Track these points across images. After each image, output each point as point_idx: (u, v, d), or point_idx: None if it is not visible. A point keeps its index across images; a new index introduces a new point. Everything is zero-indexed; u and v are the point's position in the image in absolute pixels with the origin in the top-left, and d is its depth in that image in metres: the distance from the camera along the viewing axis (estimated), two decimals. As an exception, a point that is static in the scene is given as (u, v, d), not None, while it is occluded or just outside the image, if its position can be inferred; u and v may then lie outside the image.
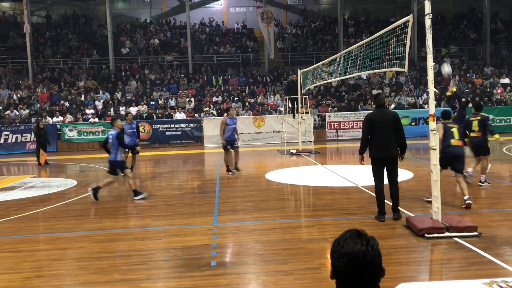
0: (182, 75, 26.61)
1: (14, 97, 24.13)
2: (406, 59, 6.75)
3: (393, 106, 23.02)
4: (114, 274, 5.00)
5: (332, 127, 22.15)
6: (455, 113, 9.16)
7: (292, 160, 14.99)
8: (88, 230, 6.96)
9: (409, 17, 6.54)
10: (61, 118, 22.08)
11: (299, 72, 16.68)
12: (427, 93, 24.87)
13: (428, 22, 5.95)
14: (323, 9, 33.57)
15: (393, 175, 6.76)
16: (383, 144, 6.61)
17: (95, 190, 9.05)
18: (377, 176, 6.79)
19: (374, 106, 7.09)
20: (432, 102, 6.12)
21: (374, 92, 24.71)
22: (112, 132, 9.16)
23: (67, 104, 23.52)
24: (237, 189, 10.13)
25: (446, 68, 9.95)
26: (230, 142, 12.18)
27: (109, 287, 4.68)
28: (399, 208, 6.84)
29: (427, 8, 5.92)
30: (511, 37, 30.05)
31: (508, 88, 24.88)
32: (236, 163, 12.51)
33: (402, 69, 6.98)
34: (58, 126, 21.37)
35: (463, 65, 27.50)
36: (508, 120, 22.14)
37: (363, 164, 6.99)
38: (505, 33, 30.32)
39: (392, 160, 6.69)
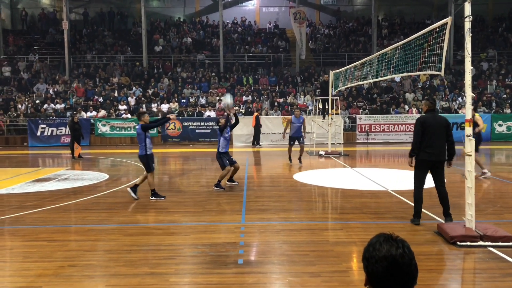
0: (213, 74, 26.83)
1: (51, 91, 24.92)
2: (443, 62, 6.59)
3: (426, 110, 22.49)
4: (143, 267, 5.10)
5: (363, 130, 21.84)
6: None
7: (320, 162, 14.89)
8: (119, 223, 7.12)
9: (448, 19, 6.38)
10: (94, 113, 22.66)
11: (331, 73, 16.53)
12: (462, 97, 24.15)
13: (467, 25, 5.79)
14: (356, 10, 33.14)
15: (440, 180, 6.70)
16: (434, 147, 6.56)
17: (218, 185, 9.78)
18: (419, 180, 6.74)
19: (425, 110, 6.96)
20: (469, 107, 5.96)
21: (407, 95, 24.26)
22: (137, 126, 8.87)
23: (101, 99, 24.12)
24: (265, 189, 10.14)
25: (228, 100, 11.56)
26: (293, 138, 13.77)
27: (138, 280, 4.77)
28: (450, 212, 6.71)
29: (467, 10, 5.75)
30: (553, 42, 28.86)
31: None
32: (300, 157, 13.98)
33: (438, 73, 6.81)
34: (92, 120, 21.94)
35: (502, 70, 26.59)
36: (548, 128, 21.27)
37: (412, 166, 6.89)
38: (548, 37, 29.15)
39: (440, 164, 6.66)
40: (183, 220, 7.31)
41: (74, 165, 14.78)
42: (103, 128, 21.83)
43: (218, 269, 5.04)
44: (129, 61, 28.20)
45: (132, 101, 24.02)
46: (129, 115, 22.43)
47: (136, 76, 26.68)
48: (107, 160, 16.25)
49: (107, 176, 11.99)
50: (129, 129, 21.84)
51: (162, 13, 32.41)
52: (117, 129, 21.89)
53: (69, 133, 17.61)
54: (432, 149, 6.56)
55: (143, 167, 9.04)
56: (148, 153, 8.76)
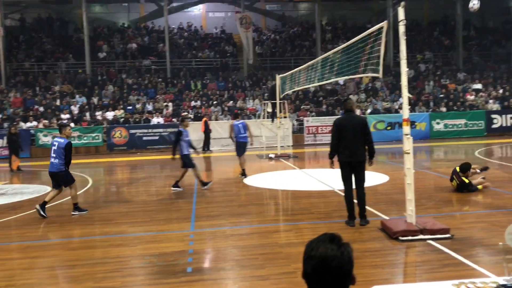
0: (160, 80, 26.40)
1: (-14, 101, 23.50)
2: (381, 65, 6.85)
3: (369, 111, 23.35)
4: (88, 282, 4.90)
5: (310, 132, 22.30)
6: None
7: (270, 165, 15.03)
8: (62, 238, 6.82)
9: (383, 24, 6.66)
10: (35, 123, 21.59)
11: (278, 77, 16.76)
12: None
13: (402, 29, 6.07)
14: (301, 15, 33.85)
15: (359, 180, 6.74)
16: (351, 148, 6.60)
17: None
18: (346, 181, 6.77)
19: (343, 111, 7.11)
20: (406, 107, 6.23)
21: (351, 97, 25.04)
22: (60, 140, 8.18)
23: (41, 109, 23.03)
24: (214, 195, 10.08)
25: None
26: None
27: (82, 295, 4.58)
28: (365, 214, 6.81)
29: (401, 14, 6.04)
30: (482, 44, 30.92)
31: (480, 93, 25.56)
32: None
33: (377, 75, 7.08)
34: (32, 131, 20.88)
35: (437, 71, 28.13)
36: (480, 125, 22.70)
37: (333, 168, 6.99)
38: (477, 40, 31.19)
39: (359, 164, 6.69)
40: (130, 231, 7.11)
41: (12, 178, 14.00)
42: (45, 139, 20.83)
43: (166, 279, 4.94)
44: (71, 69, 27.14)
45: (75, 109, 23.13)
46: (72, 124, 21.54)
47: (79, 83, 25.72)
48: (50, 172, 15.50)
49: (49, 189, 11.43)
50: (72, 139, 20.98)
51: (105, 18, 31.48)
52: (60, 139, 20.96)
53: (7, 145, 16.67)
54: (349, 150, 6.60)
55: (62, 182, 8.33)
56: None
